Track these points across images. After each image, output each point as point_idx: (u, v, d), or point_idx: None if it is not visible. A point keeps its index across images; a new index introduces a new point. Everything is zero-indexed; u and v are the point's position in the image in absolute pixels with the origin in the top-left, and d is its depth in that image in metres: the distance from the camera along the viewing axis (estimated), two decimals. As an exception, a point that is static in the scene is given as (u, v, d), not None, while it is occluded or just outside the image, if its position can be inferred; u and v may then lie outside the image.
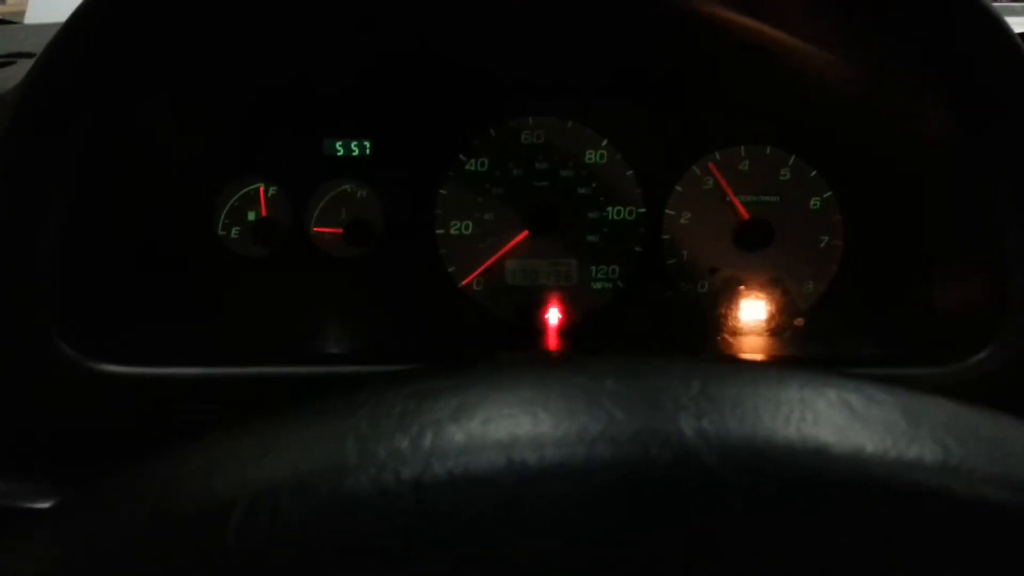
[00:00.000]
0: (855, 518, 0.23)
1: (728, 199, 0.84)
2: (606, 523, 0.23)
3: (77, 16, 0.56)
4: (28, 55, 0.84)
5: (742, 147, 0.83)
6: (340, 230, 0.85)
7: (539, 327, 0.85)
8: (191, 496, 0.24)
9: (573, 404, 0.25)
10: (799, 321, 0.82)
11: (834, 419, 0.24)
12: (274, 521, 0.23)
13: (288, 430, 0.26)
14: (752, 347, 0.80)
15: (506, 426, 0.25)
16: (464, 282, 0.86)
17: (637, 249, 0.85)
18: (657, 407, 0.25)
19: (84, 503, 0.26)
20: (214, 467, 0.25)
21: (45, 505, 0.58)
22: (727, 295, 0.84)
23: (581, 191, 0.85)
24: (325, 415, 0.27)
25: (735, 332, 0.82)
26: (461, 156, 0.85)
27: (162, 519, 0.24)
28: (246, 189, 0.84)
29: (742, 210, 0.83)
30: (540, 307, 0.85)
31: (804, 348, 0.80)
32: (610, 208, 0.85)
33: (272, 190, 0.84)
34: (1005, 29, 0.54)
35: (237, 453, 0.26)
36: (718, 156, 0.84)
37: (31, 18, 1.20)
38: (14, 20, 1.21)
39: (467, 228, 0.85)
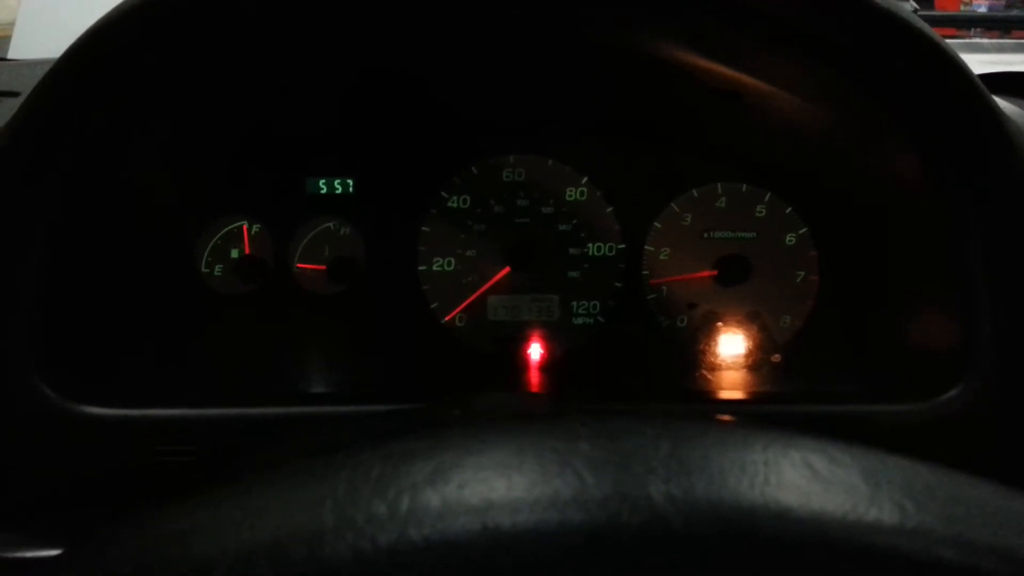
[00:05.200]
0: (817, 580, 0.24)
1: (704, 235, 0.85)
2: (577, 587, 0.24)
3: (64, 62, 0.57)
4: (12, 94, 0.85)
5: (718, 184, 0.85)
6: (323, 267, 0.86)
7: (521, 363, 0.86)
8: (169, 562, 0.25)
9: (546, 467, 0.26)
10: (776, 357, 0.83)
11: (797, 482, 0.25)
12: (253, 587, 0.24)
13: (266, 494, 0.27)
14: (730, 383, 0.81)
15: (481, 490, 0.25)
16: (447, 318, 0.87)
17: (617, 285, 0.87)
18: (627, 470, 0.26)
19: (60, 569, 0.26)
20: (192, 532, 0.26)
21: (31, 554, 0.58)
22: (706, 330, 0.85)
23: (562, 227, 0.86)
24: (303, 478, 0.27)
25: (714, 367, 0.84)
26: (443, 193, 0.86)
27: (142, 586, 0.25)
28: (229, 227, 0.85)
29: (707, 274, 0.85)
30: (522, 343, 0.86)
31: (781, 384, 0.82)
32: (590, 244, 0.86)
33: (255, 228, 0.85)
34: (967, 73, 0.56)
35: (215, 517, 0.26)
36: (695, 193, 0.85)
37: (15, 53, 1.21)
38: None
39: (449, 264, 0.86)
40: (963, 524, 0.24)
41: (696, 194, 0.86)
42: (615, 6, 0.61)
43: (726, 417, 0.66)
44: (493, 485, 0.25)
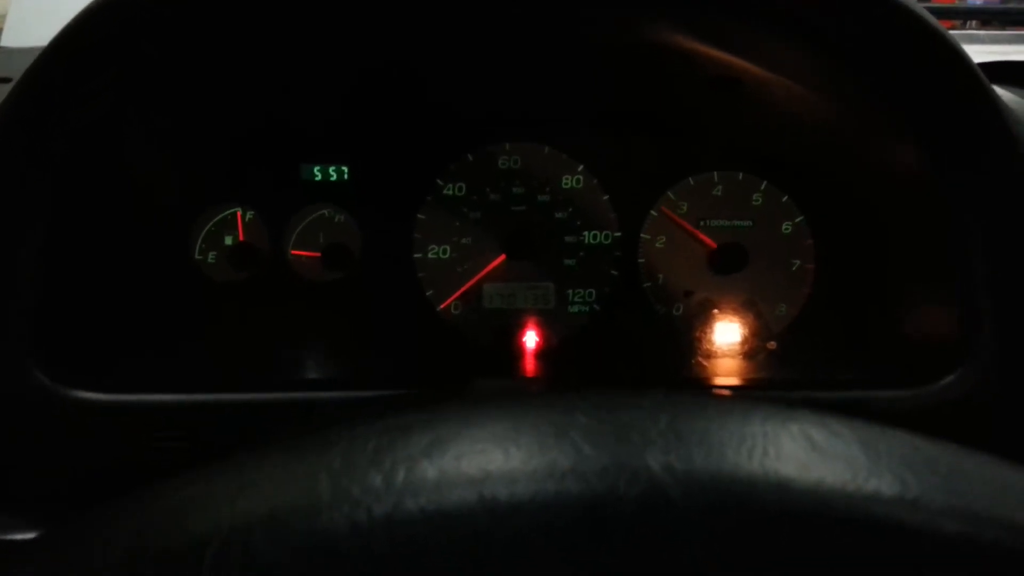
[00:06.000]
0: (816, 551, 0.24)
1: (700, 223, 0.85)
2: (575, 557, 0.24)
3: (51, 47, 0.56)
4: (5, 80, 0.84)
5: (715, 173, 0.85)
6: (318, 254, 0.85)
7: (517, 350, 0.85)
8: (165, 535, 0.25)
9: (544, 439, 0.26)
10: (772, 344, 0.83)
11: (796, 453, 0.25)
12: (248, 559, 0.24)
13: (262, 467, 0.27)
14: (726, 370, 0.81)
15: (478, 462, 0.25)
16: (442, 306, 0.86)
17: (613, 273, 0.86)
18: (626, 442, 0.26)
19: (57, 544, 0.26)
20: (187, 506, 0.25)
21: (24, 537, 0.57)
22: (702, 318, 0.85)
23: (558, 215, 0.86)
24: (298, 452, 0.27)
25: (709, 355, 0.83)
26: (438, 181, 0.86)
27: (136, 559, 0.24)
28: (223, 214, 0.84)
29: (708, 241, 0.85)
30: (518, 330, 0.86)
31: (777, 371, 0.82)
32: (586, 232, 0.86)
33: (249, 215, 0.84)
34: (969, 64, 0.56)
35: (210, 491, 0.26)
36: (691, 182, 0.85)
37: (8, 41, 1.20)
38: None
39: (445, 252, 0.86)
40: (964, 495, 0.24)
41: (692, 182, 0.85)
42: (615, 6, 0.60)
43: (724, 392, 0.66)
44: (490, 456, 0.25)
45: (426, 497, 0.24)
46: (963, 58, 0.55)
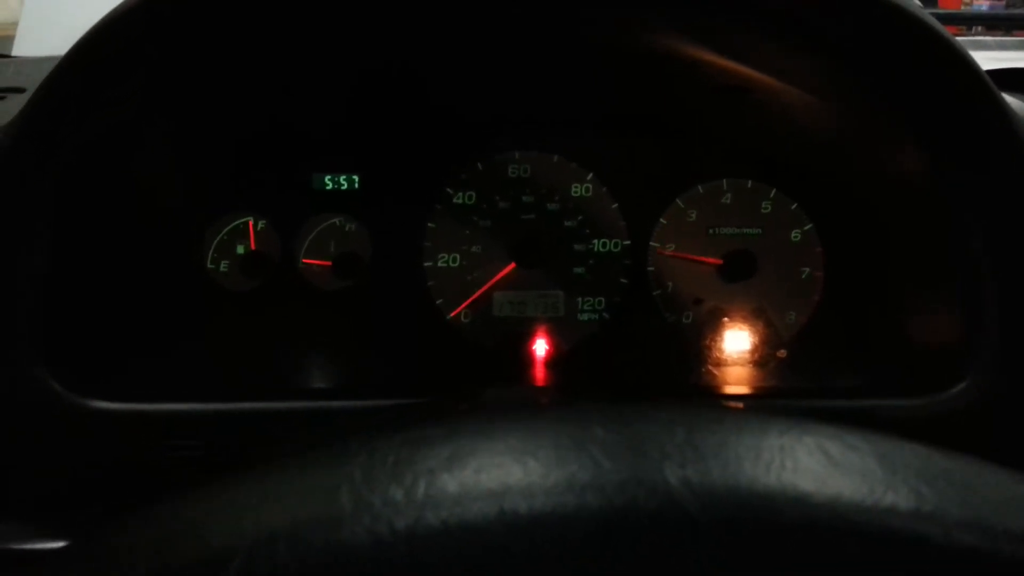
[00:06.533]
0: (833, 565, 0.24)
1: (709, 231, 0.85)
2: (593, 571, 0.24)
3: (69, 59, 0.57)
4: (17, 90, 0.85)
5: (724, 180, 0.85)
6: (329, 263, 0.86)
7: (527, 359, 0.86)
8: (187, 548, 0.25)
9: (562, 452, 0.26)
10: (782, 352, 0.83)
11: (813, 467, 0.25)
12: (271, 572, 0.24)
13: (283, 479, 0.27)
14: (736, 378, 0.81)
15: (497, 475, 0.25)
16: (452, 314, 0.87)
17: (623, 281, 0.87)
18: (643, 456, 0.26)
19: (78, 557, 0.26)
20: (209, 518, 0.26)
21: (36, 547, 0.58)
22: (712, 326, 0.85)
23: (567, 224, 0.87)
24: (319, 464, 0.27)
25: (719, 363, 0.84)
26: (448, 189, 0.86)
27: (158, 572, 0.25)
28: (235, 223, 0.85)
29: (712, 261, 0.85)
30: (527, 339, 0.86)
31: (787, 379, 0.82)
32: (596, 240, 0.87)
33: (261, 224, 0.85)
34: (974, 68, 0.56)
35: (232, 503, 0.26)
36: (700, 189, 0.85)
37: (19, 50, 1.21)
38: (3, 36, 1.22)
39: (455, 261, 0.86)
40: (980, 508, 0.24)
41: (702, 190, 0.86)
42: (615, 6, 0.61)
43: (738, 404, 0.66)
44: (510, 470, 0.25)
45: (447, 510, 0.24)
46: (963, 56, 0.55)
